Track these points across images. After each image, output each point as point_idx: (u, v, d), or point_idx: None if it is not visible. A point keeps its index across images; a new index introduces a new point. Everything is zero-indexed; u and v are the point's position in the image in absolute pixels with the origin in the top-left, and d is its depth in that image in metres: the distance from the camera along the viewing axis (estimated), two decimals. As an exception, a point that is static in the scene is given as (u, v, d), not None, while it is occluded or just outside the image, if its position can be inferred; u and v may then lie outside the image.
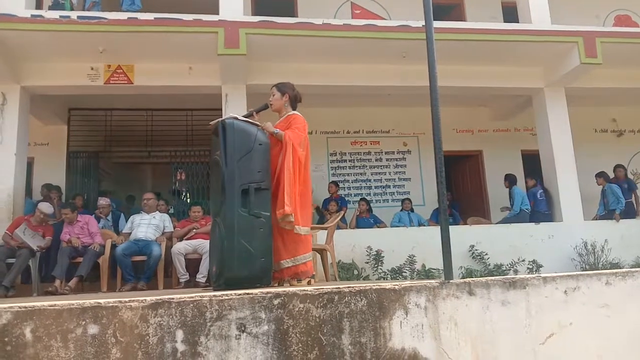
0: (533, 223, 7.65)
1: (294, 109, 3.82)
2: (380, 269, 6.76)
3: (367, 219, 8.04)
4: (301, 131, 3.62)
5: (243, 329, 2.10)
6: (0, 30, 6.11)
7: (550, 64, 7.76)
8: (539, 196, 7.96)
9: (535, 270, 6.96)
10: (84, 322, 1.97)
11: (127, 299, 2.05)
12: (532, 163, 8.80)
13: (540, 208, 7.88)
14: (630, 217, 8.16)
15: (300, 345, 2.15)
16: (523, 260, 7.09)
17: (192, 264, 5.89)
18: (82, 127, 8.59)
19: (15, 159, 6.63)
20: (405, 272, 6.74)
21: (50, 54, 6.70)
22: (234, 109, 6.53)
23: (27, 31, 6.19)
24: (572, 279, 2.55)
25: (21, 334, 1.92)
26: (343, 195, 8.59)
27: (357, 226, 7.91)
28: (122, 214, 7.31)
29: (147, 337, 2.00)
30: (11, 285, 5.48)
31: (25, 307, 1.96)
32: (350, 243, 6.89)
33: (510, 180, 8.28)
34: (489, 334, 2.39)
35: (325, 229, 5.90)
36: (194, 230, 6.16)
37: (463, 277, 5.78)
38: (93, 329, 1.97)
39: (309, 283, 3.59)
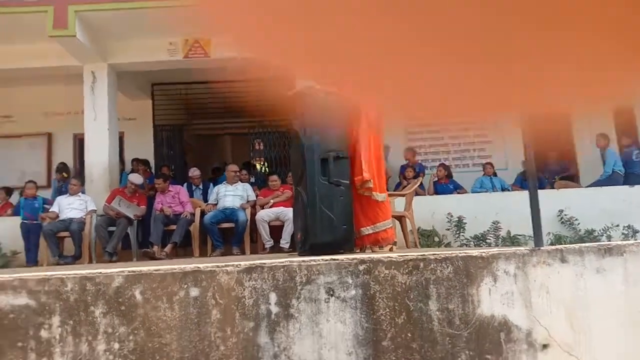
0: (627, 186, 7.14)
1: None
2: (463, 235, 6.63)
3: (446, 185, 7.85)
4: None
5: (332, 293, 2.17)
6: (86, 12, 6.41)
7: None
8: (634, 157, 7.36)
9: (631, 237, 6.53)
10: (185, 286, 2.12)
11: (223, 264, 2.18)
12: (624, 121, 8.12)
13: (636, 169, 7.31)
14: None
15: (387, 310, 2.19)
16: (617, 226, 6.67)
17: (276, 231, 6.10)
18: (165, 101, 8.97)
19: (108, 134, 7.06)
20: (489, 239, 6.57)
21: (131, 31, 6.89)
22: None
23: (109, 10, 6.44)
24: (677, 246, 2.39)
25: (132, 295, 2.11)
26: (420, 161, 8.43)
27: (436, 192, 7.75)
28: (211, 184, 7.66)
29: (244, 299, 2.13)
30: (114, 251, 5.97)
31: (133, 272, 2.14)
32: (430, 210, 6.79)
33: (605, 139, 7.65)
34: (583, 302, 2.31)
35: (404, 196, 5.86)
36: (272, 200, 6.35)
37: (552, 244, 5.56)
38: (194, 292, 2.12)
39: (390, 250, 3.62)
